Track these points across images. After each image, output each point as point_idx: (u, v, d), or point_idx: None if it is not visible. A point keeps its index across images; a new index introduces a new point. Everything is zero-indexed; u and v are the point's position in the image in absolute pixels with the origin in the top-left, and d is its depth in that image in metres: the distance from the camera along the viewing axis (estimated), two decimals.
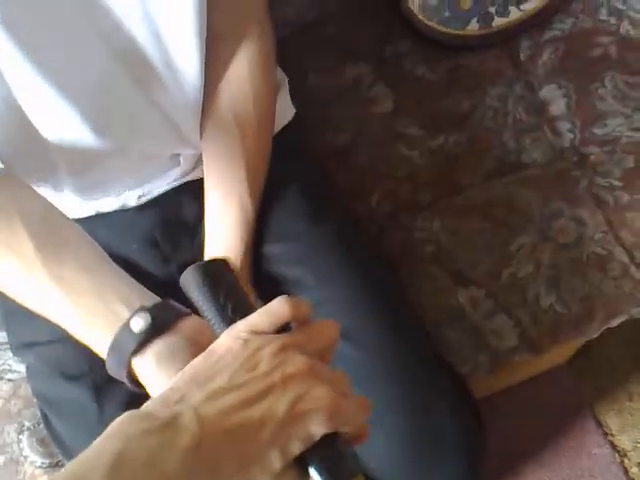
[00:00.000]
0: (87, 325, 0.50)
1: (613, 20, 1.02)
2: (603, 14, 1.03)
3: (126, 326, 0.48)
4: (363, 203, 0.96)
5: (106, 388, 0.71)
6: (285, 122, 0.85)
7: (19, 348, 0.81)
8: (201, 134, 0.75)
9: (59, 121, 0.65)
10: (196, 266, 0.51)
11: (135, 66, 0.66)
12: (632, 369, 1.31)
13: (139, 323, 0.48)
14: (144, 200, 0.80)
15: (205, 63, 0.68)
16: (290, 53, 0.93)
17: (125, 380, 0.49)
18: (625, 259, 0.91)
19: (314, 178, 0.87)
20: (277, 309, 0.45)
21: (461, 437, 0.69)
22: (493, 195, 0.95)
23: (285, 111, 0.85)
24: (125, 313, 0.49)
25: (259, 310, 0.46)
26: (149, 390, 0.48)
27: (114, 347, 0.48)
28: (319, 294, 0.76)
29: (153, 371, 0.47)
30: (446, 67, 1.03)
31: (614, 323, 0.90)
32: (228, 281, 0.51)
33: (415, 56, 1.03)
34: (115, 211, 0.80)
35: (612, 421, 1.29)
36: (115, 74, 0.65)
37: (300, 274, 0.78)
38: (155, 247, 0.80)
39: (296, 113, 0.86)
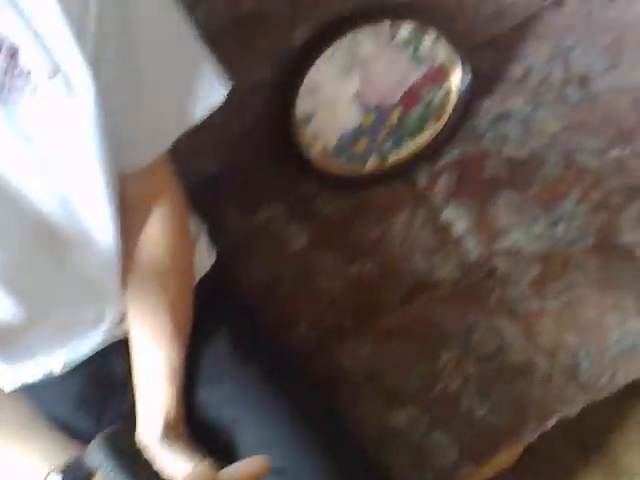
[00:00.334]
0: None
1: (497, 146, 1.12)
2: (488, 141, 1.13)
3: None
4: (291, 334, 0.98)
5: None
6: (207, 268, 0.87)
7: None
8: (124, 293, 0.77)
9: None
10: (98, 441, 0.52)
11: (50, 238, 0.67)
12: (577, 465, 1.32)
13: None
14: (70, 366, 0.80)
15: (120, 228, 0.70)
16: (208, 200, 0.97)
17: None
18: (546, 363, 0.94)
19: (239, 318, 0.88)
20: None
21: None
22: (412, 315, 0.98)
23: (205, 258, 0.88)
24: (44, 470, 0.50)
25: None
26: None
27: None
28: (253, 435, 0.75)
29: None
30: (352, 202, 1.09)
31: (549, 424, 0.91)
32: (132, 450, 0.53)
33: (322, 195, 1.10)
34: (41, 380, 0.79)
35: None
36: (30, 248, 0.67)
37: (232, 416, 0.78)
38: (86, 407, 0.79)
39: (217, 256, 0.89)
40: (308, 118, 1.05)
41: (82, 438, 0.54)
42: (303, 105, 1.03)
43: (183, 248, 0.78)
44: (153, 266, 0.75)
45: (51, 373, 0.79)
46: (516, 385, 0.92)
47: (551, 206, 1.06)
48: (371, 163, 1.11)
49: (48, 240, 0.67)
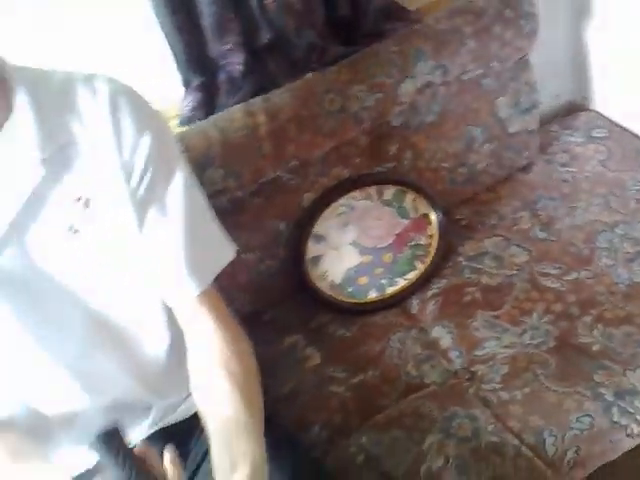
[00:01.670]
0: None
1: (474, 277, 1.38)
2: (467, 273, 1.39)
3: None
4: (307, 434, 1.19)
5: None
6: None
7: None
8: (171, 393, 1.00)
9: (54, 386, 0.89)
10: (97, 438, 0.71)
11: (112, 330, 0.94)
12: None
13: None
14: None
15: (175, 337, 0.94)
16: None
17: None
18: (516, 442, 1.12)
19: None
20: None
21: None
22: (404, 409, 1.19)
23: None
24: None
25: None
26: None
27: None
28: None
29: None
30: (358, 325, 1.35)
31: None
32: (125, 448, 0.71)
33: (333, 322, 1.36)
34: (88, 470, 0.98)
35: None
36: (95, 341, 0.92)
37: None
38: None
39: None
40: (317, 260, 1.35)
41: None
42: (313, 250, 1.34)
43: (241, 352, 0.92)
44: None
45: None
46: (490, 462, 1.09)
47: (519, 321, 1.28)
48: (371, 295, 1.38)
49: (110, 332, 0.93)
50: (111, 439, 0.73)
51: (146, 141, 0.82)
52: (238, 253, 0.95)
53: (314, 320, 1.38)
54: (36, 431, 0.93)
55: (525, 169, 1.56)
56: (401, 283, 1.39)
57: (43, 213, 0.81)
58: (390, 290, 1.39)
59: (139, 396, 0.99)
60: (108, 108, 0.81)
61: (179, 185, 0.87)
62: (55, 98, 0.80)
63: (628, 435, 1.13)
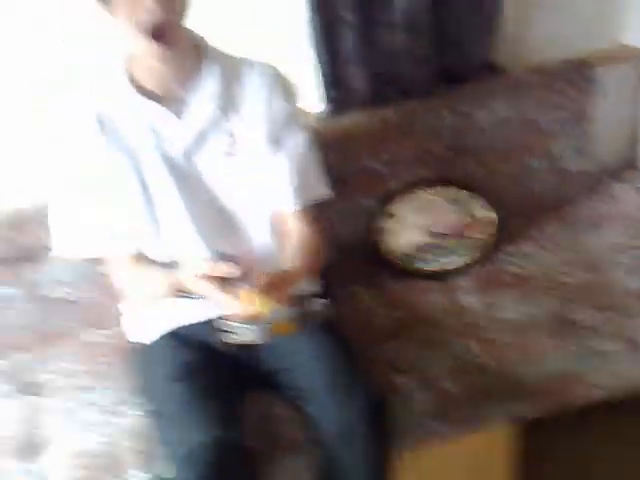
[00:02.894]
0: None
1: (511, 268, 1.78)
2: (506, 265, 1.79)
3: None
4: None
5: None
6: None
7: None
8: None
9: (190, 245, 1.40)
10: None
11: (235, 221, 1.44)
12: None
13: None
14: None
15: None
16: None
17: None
18: (493, 364, 1.50)
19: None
20: None
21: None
22: (420, 332, 1.62)
23: None
24: None
25: None
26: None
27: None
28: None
29: None
30: (410, 286, 1.79)
31: None
32: None
33: (391, 281, 1.80)
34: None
35: None
36: (223, 224, 1.42)
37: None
38: None
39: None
40: (388, 232, 1.84)
41: None
42: (386, 224, 1.83)
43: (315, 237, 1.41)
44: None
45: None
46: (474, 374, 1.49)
47: (534, 298, 1.66)
48: (426, 267, 1.82)
49: (232, 225, 1.44)
50: None
51: (286, 106, 1.40)
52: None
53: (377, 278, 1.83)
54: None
55: (575, 203, 1.94)
56: (452, 264, 1.81)
57: (210, 140, 1.38)
58: (442, 267, 1.81)
59: None
60: (267, 83, 1.39)
61: (301, 138, 1.43)
62: (233, 69, 1.39)
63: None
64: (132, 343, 1.54)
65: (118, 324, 1.58)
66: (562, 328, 1.56)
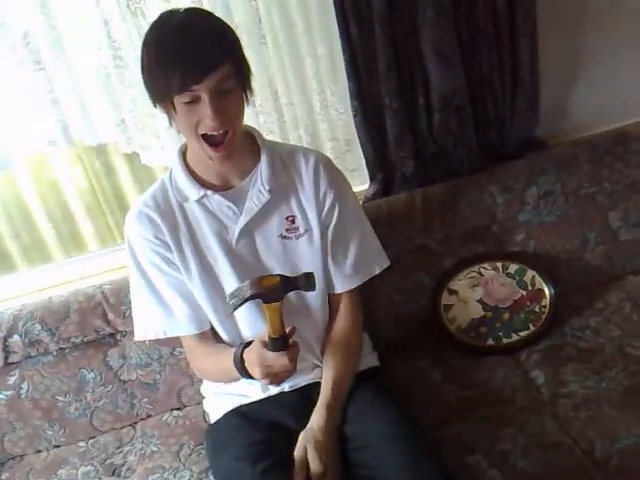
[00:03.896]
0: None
1: (574, 340, 1.75)
2: (569, 337, 1.77)
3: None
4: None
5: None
6: (371, 362, 1.63)
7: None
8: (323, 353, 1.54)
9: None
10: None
11: (302, 305, 1.50)
12: None
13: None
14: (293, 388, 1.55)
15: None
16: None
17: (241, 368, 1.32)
18: (570, 442, 1.45)
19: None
20: None
21: None
22: (491, 412, 1.58)
23: (368, 354, 1.63)
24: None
25: None
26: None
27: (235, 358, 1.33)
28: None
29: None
30: (475, 361, 1.77)
31: None
32: None
33: (456, 356, 1.80)
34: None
35: None
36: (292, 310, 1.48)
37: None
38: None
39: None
40: (449, 308, 1.84)
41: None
42: (446, 299, 1.84)
43: (356, 332, 1.55)
44: (343, 340, 1.53)
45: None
46: (549, 453, 1.44)
47: (601, 373, 1.62)
48: (489, 342, 1.81)
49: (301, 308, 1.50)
50: None
51: (331, 191, 1.47)
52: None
53: (441, 354, 1.83)
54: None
55: (635, 272, 1.92)
56: (514, 337, 1.80)
57: (266, 223, 1.45)
58: (505, 341, 1.80)
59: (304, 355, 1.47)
60: (313, 169, 1.46)
61: (350, 214, 1.50)
62: (282, 158, 1.47)
63: None
64: (207, 422, 1.62)
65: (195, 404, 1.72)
66: (633, 401, 1.51)
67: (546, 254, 1.88)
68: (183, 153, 1.46)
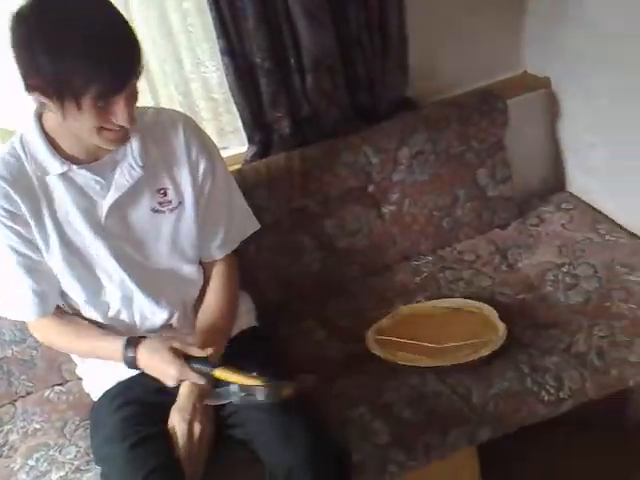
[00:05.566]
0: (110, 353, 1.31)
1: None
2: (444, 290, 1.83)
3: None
4: None
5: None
6: (249, 321, 1.61)
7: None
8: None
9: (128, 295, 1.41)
10: None
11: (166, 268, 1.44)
12: None
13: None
14: None
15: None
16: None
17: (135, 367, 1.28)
18: (449, 391, 1.51)
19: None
20: None
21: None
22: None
23: (244, 312, 1.60)
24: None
25: None
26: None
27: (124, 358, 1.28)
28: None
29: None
30: None
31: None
32: None
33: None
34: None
35: None
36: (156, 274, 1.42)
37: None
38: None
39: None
40: None
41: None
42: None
43: (231, 299, 1.50)
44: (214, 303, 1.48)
45: None
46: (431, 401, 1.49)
47: None
48: None
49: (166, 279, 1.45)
50: None
51: (203, 152, 1.41)
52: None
53: (324, 313, 1.83)
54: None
55: (502, 226, 2.02)
56: None
57: (137, 198, 1.37)
58: None
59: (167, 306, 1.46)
60: (183, 138, 1.39)
61: (223, 184, 1.46)
62: (151, 128, 1.38)
63: (540, 401, 1.50)
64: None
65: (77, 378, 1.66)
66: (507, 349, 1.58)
67: (419, 212, 1.93)
68: (39, 118, 1.30)
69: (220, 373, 1.27)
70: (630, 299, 1.66)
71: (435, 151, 1.90)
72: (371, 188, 1.90)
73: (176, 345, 1.29)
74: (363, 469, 1.39)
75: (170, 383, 1.30)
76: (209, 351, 1.30)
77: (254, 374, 1.27)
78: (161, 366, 1.29)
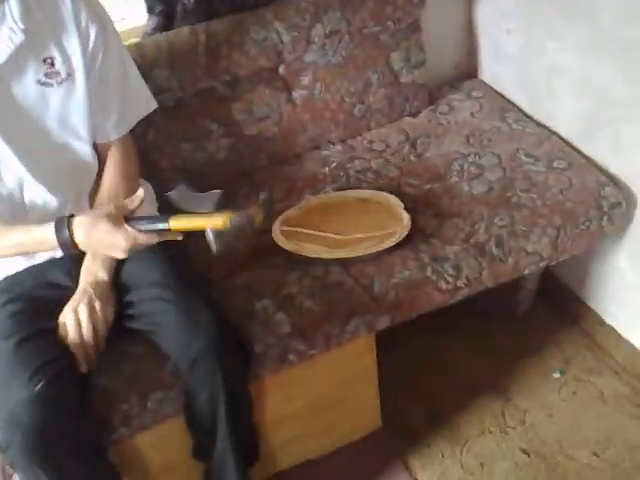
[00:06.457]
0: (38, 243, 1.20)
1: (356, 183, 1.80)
2: (353, 181, 1.81)
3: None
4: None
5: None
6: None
7: None
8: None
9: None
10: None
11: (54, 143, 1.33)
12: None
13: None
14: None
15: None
16: None
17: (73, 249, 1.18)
18: (351, 281, 1.53)
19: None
20: None
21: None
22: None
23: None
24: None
25: None
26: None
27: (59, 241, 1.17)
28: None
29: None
30: None
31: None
32: None
33: None
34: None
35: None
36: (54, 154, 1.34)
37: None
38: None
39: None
40: None
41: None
42: None
43: (130, 180, 1.43)
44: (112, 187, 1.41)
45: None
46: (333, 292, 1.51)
47: None
48: None
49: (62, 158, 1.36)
50: None
51: (95, 20, 1.29)
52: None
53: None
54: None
55: (413, 114, 1.99)
56: None
57: (21, 68, 1.25)
58: None
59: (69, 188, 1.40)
60: (70, 1, 1.26)
61: (116, 59, 1.35)
62: None
63: (437, 289, 1.54)
64: None
65: None
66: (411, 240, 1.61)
67: (332, 98, 1.87)
68: None
69: (176, 223, 1.17)
70: (532, 189, 1.70)
71: (349, 31, 1.82)
72: (282, 69, 1.81)
73: (110, 209, 1.19)
74: (264, 359, 1.42)
75: (120, 255, 1.21)
76: (139, 193, 1.22)
77: (210, 211, 1.22)
78: (105, 239, 1.18)
